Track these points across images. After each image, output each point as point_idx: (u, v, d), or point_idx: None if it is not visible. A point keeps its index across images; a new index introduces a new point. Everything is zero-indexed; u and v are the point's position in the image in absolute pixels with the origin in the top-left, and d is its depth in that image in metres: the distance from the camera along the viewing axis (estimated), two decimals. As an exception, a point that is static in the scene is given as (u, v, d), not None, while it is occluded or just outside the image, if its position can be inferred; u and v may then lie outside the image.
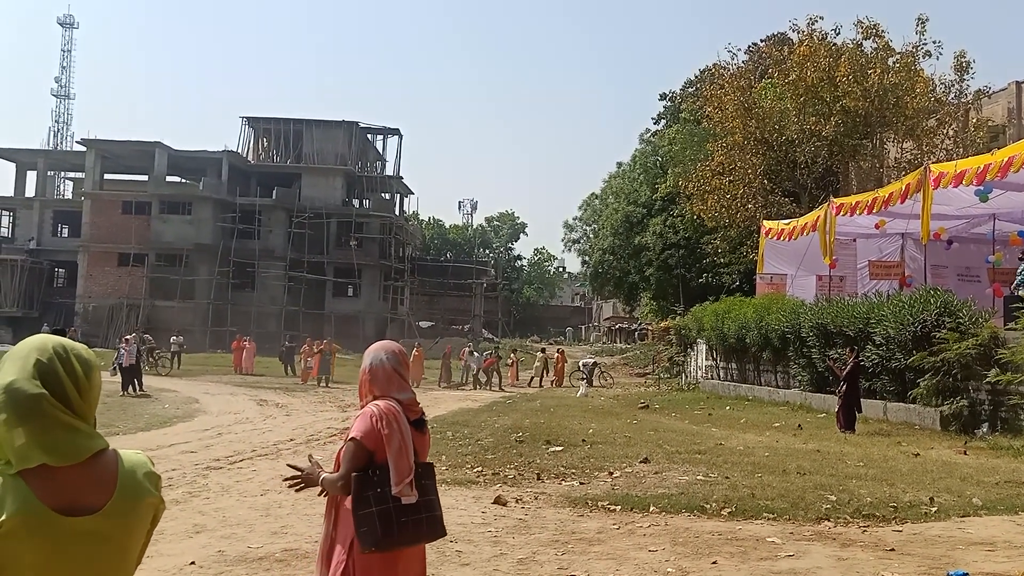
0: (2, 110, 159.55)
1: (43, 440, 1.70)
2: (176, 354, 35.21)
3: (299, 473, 3.45)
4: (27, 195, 60.58)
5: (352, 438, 3.31)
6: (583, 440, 13.59)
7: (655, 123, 52.56)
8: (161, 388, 24.37)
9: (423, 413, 3.53)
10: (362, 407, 3.47)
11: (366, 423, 3.30)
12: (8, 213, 61.14)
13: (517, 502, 8.73)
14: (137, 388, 23.18)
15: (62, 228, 60.96)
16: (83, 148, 57.16)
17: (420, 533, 3.35)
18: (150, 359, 24.12)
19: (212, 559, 6.55)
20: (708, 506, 8.24)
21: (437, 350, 37.15)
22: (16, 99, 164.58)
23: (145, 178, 57.40)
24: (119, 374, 23.21)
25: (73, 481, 1.73)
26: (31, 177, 60.85)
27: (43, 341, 1.81)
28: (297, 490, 3.50)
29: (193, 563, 6.40)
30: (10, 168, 61.27)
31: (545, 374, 34.12)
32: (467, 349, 35.48)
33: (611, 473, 10.40)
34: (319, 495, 3.47)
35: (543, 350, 37.81)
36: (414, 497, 3.28)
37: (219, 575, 6.14)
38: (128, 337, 24.37)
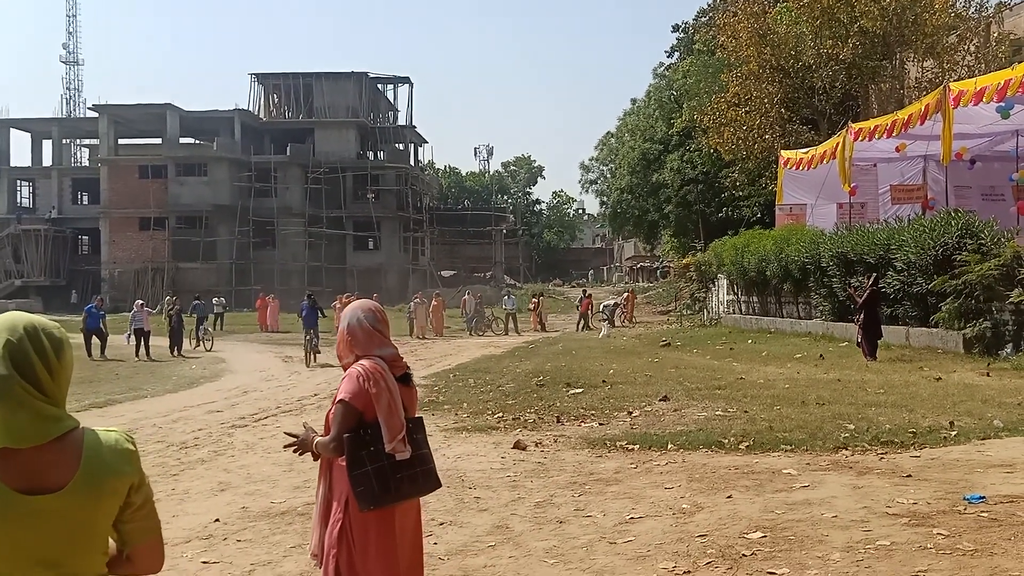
0: (14, 80, 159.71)
1: (9, 423, 1.71)
2: (219, 316, 35.65)
3: (295, 440, 3.47)
4: (44, 164, 60.98)
5: (340, 400, 3.30)
6: (603, 381, 13.64)
7: (668, 56, 51.55)
8: (189, 349, 24.71)
9: (408, 367, 3.52)
10: (344, 368, 3.47)
11: (353, 383, 3.29)
12: (28, 183, 61.70)
13: (536, 446, 8.79)
14: (176, 351, 23.60)
15: (82, 195, 61.45)
16: (95, 114, 57.22)
17: (416, 487, 3.37)
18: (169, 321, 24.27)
19: (236, 515, 6.68)
20: (726, 441, 8.25)
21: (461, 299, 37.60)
22: (27, 68, 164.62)
23: (159, 141, 57.53)
24: (134, 338, 23.09)
25: (35, 461, 1.75)
26: (47, 146, 61.18)
27: (13, 320, 1.81)
28: (300, 454, 3.52)
29: (217, 520, 6.53)
30: (26, 138, 61.68)
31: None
32: (469, 294, 35.79)
33: (630, 413, 10.43)
34: (314, 460, 3.48)
35: (631, 290, 40.56)
36: (407, 452, 3.29)
37: (242, 531, 6.26)
38: (140, 301, 24.50)
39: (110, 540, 1.90)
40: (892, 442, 7.80)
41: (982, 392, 10.17)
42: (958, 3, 28.94)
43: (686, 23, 49.21)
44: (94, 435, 1.85)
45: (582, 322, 32.26)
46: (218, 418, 12.11)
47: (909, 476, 6.52)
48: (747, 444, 8.08)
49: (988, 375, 11.80)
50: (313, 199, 55.47)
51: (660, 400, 11.12)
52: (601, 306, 32.18)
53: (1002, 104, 15.28)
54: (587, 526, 5.85)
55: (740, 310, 25.63)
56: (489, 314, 33.53)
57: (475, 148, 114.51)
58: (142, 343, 22.78)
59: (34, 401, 1.74)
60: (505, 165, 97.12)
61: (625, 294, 38.25)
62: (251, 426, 11.33)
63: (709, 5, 45.22)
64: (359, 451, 3.22)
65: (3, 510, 1.70)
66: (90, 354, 22.26)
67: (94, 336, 22.66)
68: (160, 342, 23.77)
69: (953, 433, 7.99)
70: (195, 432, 10.85)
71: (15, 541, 1.72)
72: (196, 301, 28.17)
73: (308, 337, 20.51)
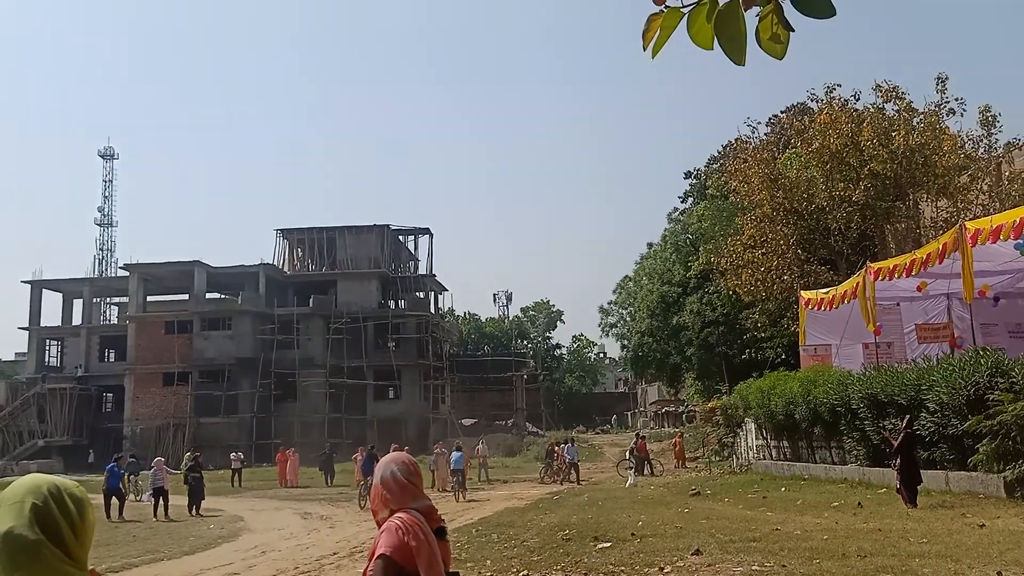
0: (49, 242, 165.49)
1: None
2: (237, 471, 35.15)
3: None
4: (74, 323, 62.25)
5: (381, 554, 3.18)
6: (632, 534, 13.09)
7: (682, 201, 52.86)
8: (208, 508, 24.21)
9: (443, 521, 3.40)
10: (379, 522, 3.36)
11: (393, 537, 3.18)
12: (56, 342, 62.71)
13: (564, 608, 8.34)
14: (195, 510, 23.09)
15: (109, 352, 62.29)
16: (127, 273, 58.81)
17: None
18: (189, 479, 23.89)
19: None
20: (765, 600, 7.78)
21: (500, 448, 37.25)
22: (62, 230, 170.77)
23: (186, 297, 58.76)
24: (153, 498, 22.79)
25: None
26: (77, 305, 62.62)
27: (35, 482, 1.82)
28: None
29: None
30: (57, 298, 63.19)
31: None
32: (483, 443, 35.84)
33: (662, 568, 9.93)
34: None
35: (680, 434, 40.63)
36: None
37: None
38: (160, 459, 24.24)
39: None
40: (942, 598, 7.32)
41: (1032, 540, 9.64)
42: (967, 144, 29.59)
43: (698, 170, 50.73)
44: None
45: (646, 468, 30.75)
46: (233, 582, 11.68)
47: (966, 638, 6.06)
48: (788, 604, 7.61)
49: (1036, 521, 11.24)
50: (334, 349, 55.85)
51: (692, 554, 10.59)
52: (627, 453, 31.44)
53: (1020, 241, 15.29)
54: None
55: (771, 455, 24.93)
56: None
57: (494, 294, 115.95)
58: (160, 502, 22.41)
59: (63, 566, 1.71)
60: (524, 310, 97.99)
61: (674, 439, 38.22)
62: (267, 590, 10.89)
63: (719, 152, 46.70)
64: None
65: None
66: (108, 515, 21.86)
67: (113, 496, 22.31)
68: (179, 501, 23.37)
69: (1006, 587, 7.51)
70: (209, 598, 10.43)
71: None
72: (131, 459, 28.58)
73: (364, 482, 23.96)
